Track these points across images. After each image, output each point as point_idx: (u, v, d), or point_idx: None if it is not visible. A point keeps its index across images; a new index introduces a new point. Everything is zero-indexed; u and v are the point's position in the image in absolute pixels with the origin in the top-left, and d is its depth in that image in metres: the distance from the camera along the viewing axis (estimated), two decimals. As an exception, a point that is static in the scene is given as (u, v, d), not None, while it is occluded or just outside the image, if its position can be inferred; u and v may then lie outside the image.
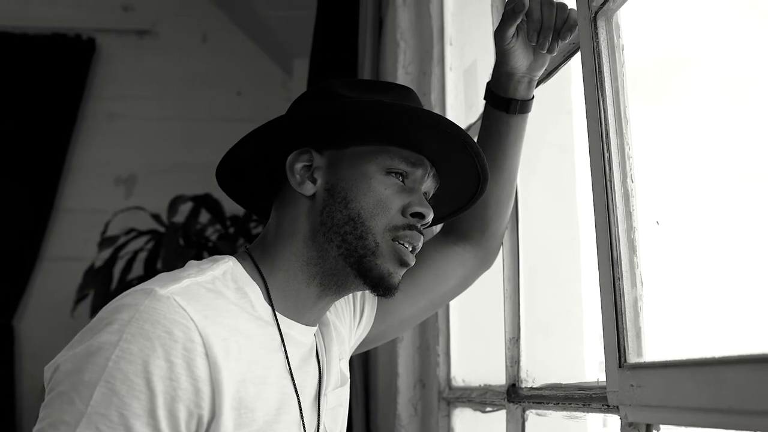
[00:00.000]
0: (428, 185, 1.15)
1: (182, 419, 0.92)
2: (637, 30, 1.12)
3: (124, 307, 0.95)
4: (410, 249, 1.10)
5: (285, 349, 1.06)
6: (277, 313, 1.07)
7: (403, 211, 1.08)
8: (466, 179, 1.17)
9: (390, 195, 1.08)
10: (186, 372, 0.92)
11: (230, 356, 0.97)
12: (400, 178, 1.10)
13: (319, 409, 1.13)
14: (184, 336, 0.93)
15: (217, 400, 0.94)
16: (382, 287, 1.08)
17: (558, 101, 1.56)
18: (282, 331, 1.07)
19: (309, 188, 1.09)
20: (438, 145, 1.11)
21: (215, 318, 0.97)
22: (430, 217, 1.11)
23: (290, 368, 1.06)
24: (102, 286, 3.00)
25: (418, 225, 1.10)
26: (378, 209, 1.07)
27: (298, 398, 1.07)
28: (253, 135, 1.10)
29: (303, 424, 1.07)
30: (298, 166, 1.10)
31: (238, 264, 1.07)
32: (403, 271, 1.10)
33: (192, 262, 1.07)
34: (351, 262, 1.07)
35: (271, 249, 1.10)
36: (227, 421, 0.95)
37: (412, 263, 1.10)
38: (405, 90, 1.17)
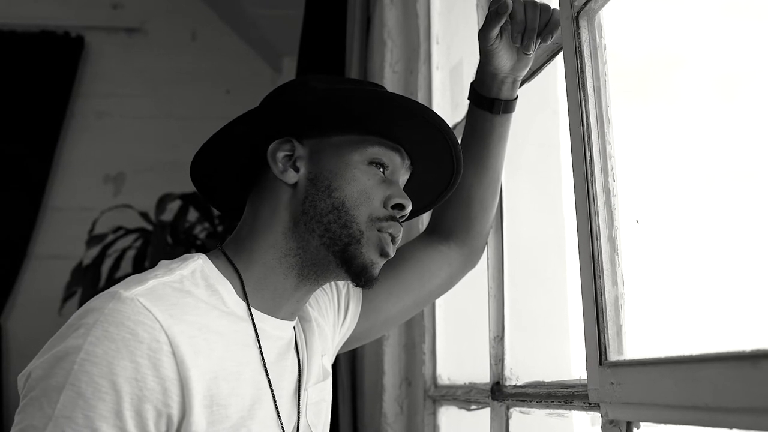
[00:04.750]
0: (404, 178, 1.16)
1: (150, 419, 0.93)
2: (624, 29, 1.13)
3: (89, 311, 0.95)
4: (391, 239, 1.10)
5: (260, 345, 1.06)
6: (251, 308, 1.07)
7: (384, 203, 1.09)
8: (441, 172, 1.18)
9: (373, 186, 1.09)
10: (152, 372, 0.93)
11: (199, 354, 0.97)
12: (381, 170, 1.11)
13: (299, 404, 1.13)
14: (149, 336, 0.93)
15: (187, 398, 0.94)
16: (364, 277, 1.08)
17: (544, 100, 1.56)
18: (256, 326, 1.07)
19: (292, 176, 1.09)
20: (415, 135, 1.11)
21: (181, 316, 0.97)
22: (409, 209, 1.11)
23: (265, 363, 1.06)
24: (90, 285, 2.99)
25: (398, 216, 1.10)
26: (362, 199, 1.07)
27: (273, 393, 1.07)
28: (229, 127, 1.09)
29: (279, 419, 1.07)
30: (281, 155, 1.10)
31: (209, 262, 1.07)
32: (383, 262, 1.10)
33: (162, 262, 1.07)
34: (335, 251, 1.07)
35: (247, 243, 1.10)
36: (199, 418, 0.96)
37: (392, 255, 1.11)
38: (378, 86, 1.18)
